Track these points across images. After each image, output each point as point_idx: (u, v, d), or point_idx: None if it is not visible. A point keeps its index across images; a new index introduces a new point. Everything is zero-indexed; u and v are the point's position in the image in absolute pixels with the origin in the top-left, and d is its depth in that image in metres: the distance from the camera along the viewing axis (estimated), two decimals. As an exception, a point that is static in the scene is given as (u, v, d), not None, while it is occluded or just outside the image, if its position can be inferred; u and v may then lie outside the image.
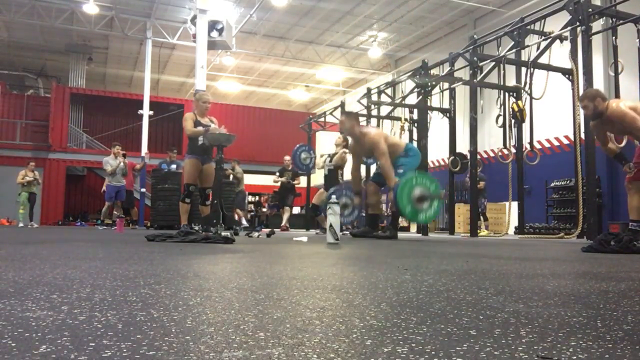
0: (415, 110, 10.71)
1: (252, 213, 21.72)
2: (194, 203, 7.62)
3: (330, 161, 8.42)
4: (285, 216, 11.20)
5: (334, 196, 5.06)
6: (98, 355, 0.59)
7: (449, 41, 16.44)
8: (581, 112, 6.61)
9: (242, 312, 0.89)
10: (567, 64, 7.63)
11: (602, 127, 4.46)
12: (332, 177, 8.35)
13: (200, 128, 6.00)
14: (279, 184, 11.37)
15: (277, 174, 11.30)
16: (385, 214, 13.94)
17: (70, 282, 1.27)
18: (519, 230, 9.45)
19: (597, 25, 7.41)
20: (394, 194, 5.64)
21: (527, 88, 8.08)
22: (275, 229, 8.24)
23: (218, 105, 20.81)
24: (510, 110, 8.40)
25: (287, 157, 11.28)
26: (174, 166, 12.18)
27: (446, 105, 10.37)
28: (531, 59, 8.00)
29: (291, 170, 11.16)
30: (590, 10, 6.66)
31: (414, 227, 12.12)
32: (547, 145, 12.49)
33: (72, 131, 20.05)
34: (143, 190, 16.97)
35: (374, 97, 12.14)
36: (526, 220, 9.89)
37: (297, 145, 10.47)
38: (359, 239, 5.71)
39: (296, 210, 19.45)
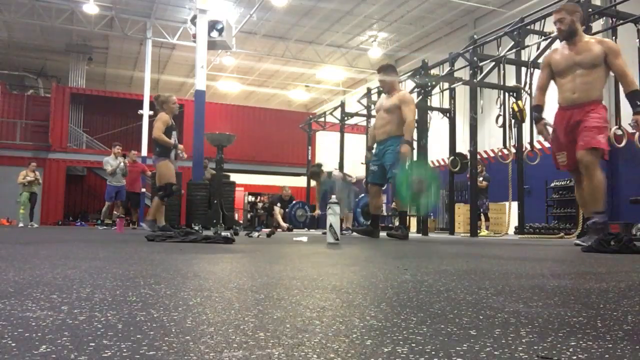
0: (415, 110, 10.72)
1: (252, 213, 21.69)
2: (195, 204, 7.57)
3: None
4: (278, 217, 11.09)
5: (334, 196, 5.06)
6: (98, 355, 0.59)
7: (449, 41, 16.45)
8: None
9: (242, 312, 0.89)
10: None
11: (572, 59, 3.96)
12: None
13: (172, 140, 6.29)
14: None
15: (279, 205, 11.12)
16: (387, 214, 13.94)
17: (70, 282, 1.27)
18: (519, 230, 9.45)
19: (597, 25, 7.41)
20: (394, 186, 5.71)
21: (527, 88, 8.08)
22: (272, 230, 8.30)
23: (218, 105, 20.84)
24: (510, 110, 8.40)
25: (288, 190, 11.20)
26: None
27: (446, 105, 10.37)
28: (531, 59, 8.00)
29: (289, 199, 11.14)
30: (590, 10, 6.66)
31: (414, 227, 12.12)
32: (547, 145, 12.47)
33: (72, 131, 20.07)
34: (143, 190, 16.99)
35: (374, 97, 12.15)
36: (526, 220, 9.89)
37: (294, 202, 10.36)
38: (360, 239, 5.70)
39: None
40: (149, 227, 6.56)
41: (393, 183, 5.94)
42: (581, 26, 4.03)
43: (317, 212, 8.65)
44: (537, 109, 4.31)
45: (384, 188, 6.48)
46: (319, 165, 8.76)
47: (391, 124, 5.85)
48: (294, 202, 9.58)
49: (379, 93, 12.28)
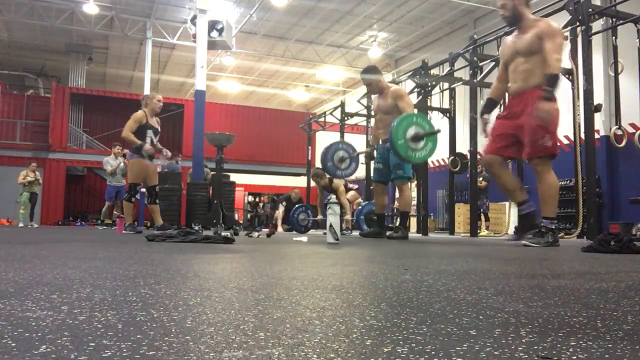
0: (415, 110, 10.73)
1: (252, 213, 21.70)
2: (195, 204, 7.52)
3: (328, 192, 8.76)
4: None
5: (333, 196, 5.06)
6: (98, 355, 0.59)
7: (449, 41, 16.45)
8: (581, 111, 6.61)
9: (242, 312, 0.89)
10: (567, 64, 7.63)
11: (515, 47, 3.77)
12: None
13: (147, 139, 6.38)
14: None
15: (284, 204, 11.23)
16: (388, 214, 13.97)
17: (70, 282, 1.27)
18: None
19: (597, 25, 7.41)
20: (390, 138, 5.37)
21: (527, 88, 8.07)
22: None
23: (218, 105, 20.83)
24: (510, 110, 8.40)
25: (298, 193, 11.31)
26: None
27: (446, 105, 10.37)
28: (531, 59, 7.99)
29: (296, 202, 11.29)
30: (590, 10, 6.66)
31: (414, 227, 12.11)
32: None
33: (72, 131, 20.07)
34: (143, 190, 16.99)
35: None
36: (526, 220, 9.88)
37: (297, 206, 10.36)
38: (360, 239, 5.70)
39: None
40: (130, 230, 6.57)
41: (397, 183, 5.94)
42: (527, 9, 3.82)
43: (320, 217, 8.67)
44: (488, 102, 4.19)
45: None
46: (322, 168, 8.74)
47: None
48: (297, 205, 9.70)
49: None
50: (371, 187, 8.53)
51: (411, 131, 5.33)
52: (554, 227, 3.86)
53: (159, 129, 6.69)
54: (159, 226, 6.52)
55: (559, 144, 12.44)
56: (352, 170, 7.24)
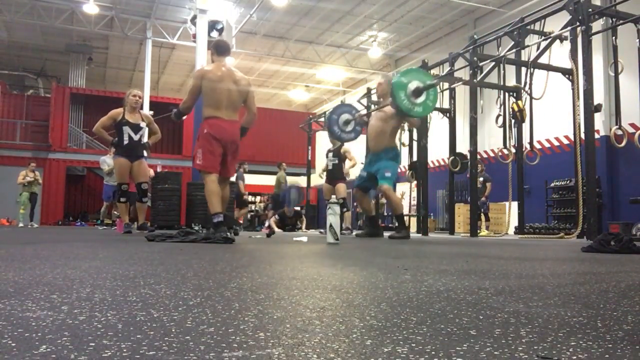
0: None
1: (252, 213, 21.69)
2: (195, 204, 7.42)
3: (334, 155, 8.58)
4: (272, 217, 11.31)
5: (334, 196, 5.06)
6: (98, 355, 0.59)
7: (449, 41, 16.44)
8: (581, 111, 6.62)
9: (242, 312, 0.89)
10: (567, 64, 7.63)
11: None
12: (337, 170, 8.55)
13: (125, 136, 6.28)
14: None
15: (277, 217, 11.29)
16: (385, 214, 13.92)
17: (70, 282, 1.27)
18: (519, 230, 9.45)
19: (597, 25, 7.41)
20: (392, 92, 5.59)
21: (527, 88, 8.08)
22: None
23: (218, 105, 20.76)
24: (510, 110, 8.40)
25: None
26: None
27: (446, 105, 10.37)
28: (531, 59, 8.00)
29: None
30: (590, 10, 6.65)
31: (413, 227, 12.11)
32: (547, 145, 12.48)
33: (72, 131, 20.05)
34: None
35: (374, 97, 12.13)
36: (526, 220, 9.89)
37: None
38: (360, 239, 5.71)
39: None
40: (127, 228, 6.55)
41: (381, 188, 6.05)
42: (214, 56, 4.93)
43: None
44: None
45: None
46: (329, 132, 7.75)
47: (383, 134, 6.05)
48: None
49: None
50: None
51: (411, 86, 5.55)
52: (215, 221, 4.27)
53: (141, 125, 6.38)
54: (139, 225, 6.46)
55: (559, 144, 12.44)
56: (355, 135, 7.27)
